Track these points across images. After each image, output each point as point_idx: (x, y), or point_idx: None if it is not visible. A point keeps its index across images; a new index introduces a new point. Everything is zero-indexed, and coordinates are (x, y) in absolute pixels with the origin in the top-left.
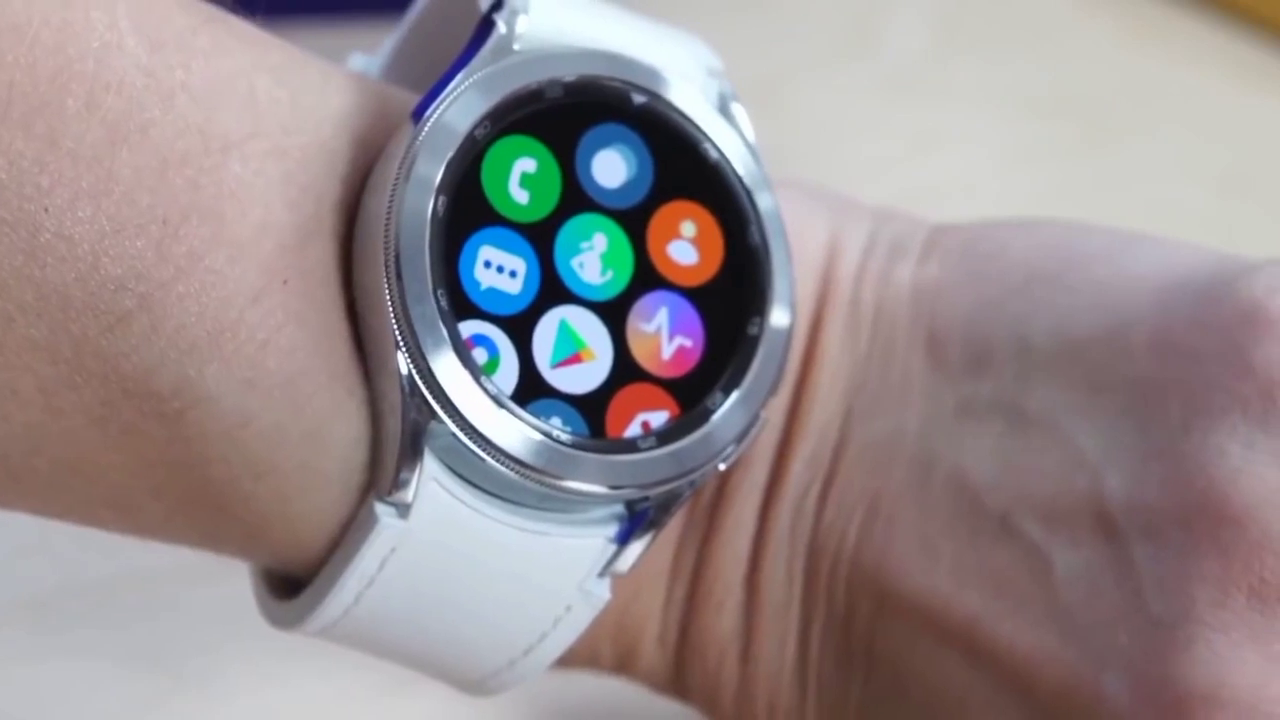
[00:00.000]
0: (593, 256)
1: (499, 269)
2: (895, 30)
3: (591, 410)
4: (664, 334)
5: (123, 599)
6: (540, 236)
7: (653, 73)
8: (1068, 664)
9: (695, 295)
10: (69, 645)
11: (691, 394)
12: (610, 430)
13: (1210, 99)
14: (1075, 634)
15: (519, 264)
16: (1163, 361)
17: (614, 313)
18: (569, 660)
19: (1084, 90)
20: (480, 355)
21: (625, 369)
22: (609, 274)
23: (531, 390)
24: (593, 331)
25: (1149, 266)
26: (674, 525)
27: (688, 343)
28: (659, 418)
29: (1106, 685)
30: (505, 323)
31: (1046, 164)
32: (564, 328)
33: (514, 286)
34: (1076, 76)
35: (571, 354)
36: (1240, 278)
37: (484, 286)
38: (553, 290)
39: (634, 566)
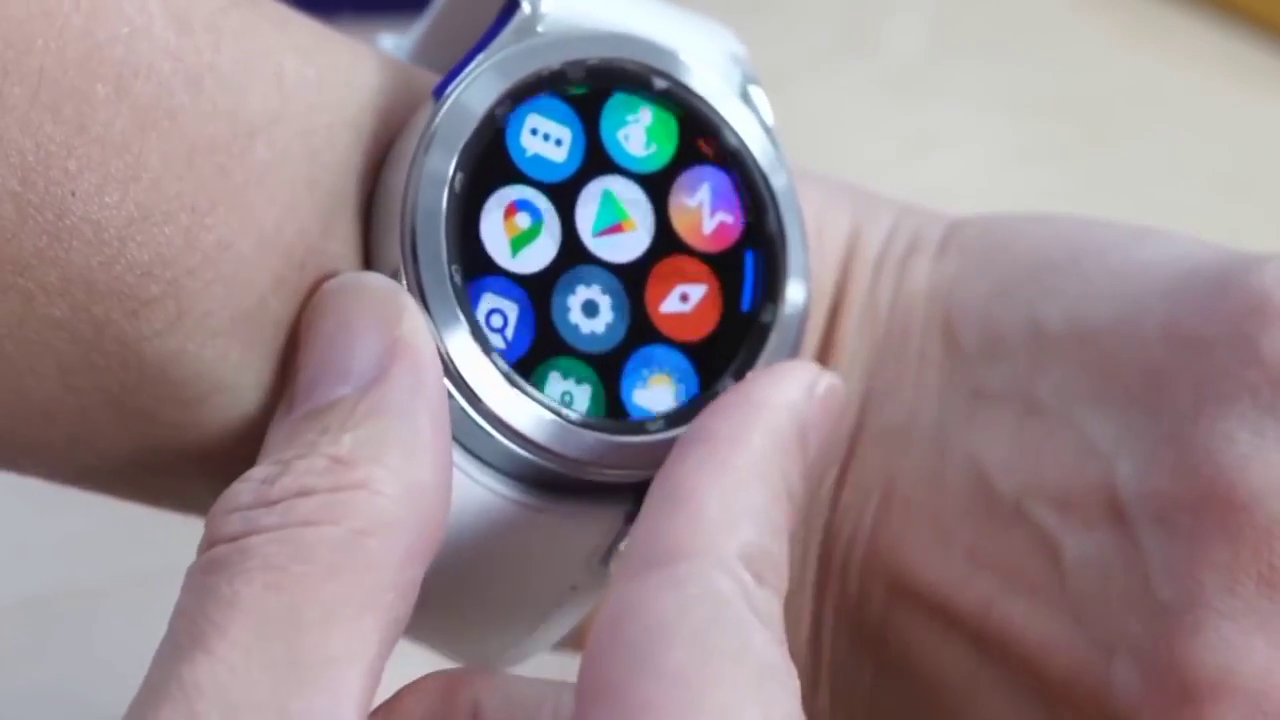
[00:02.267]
0: (638, 129)
1: (545, 136)
2: (894, 30)
3: (632, 280)
4: (705, 209)
5: (123, 599)
6: (586, 109)
7: (674, 57)
8: (1077, 650)
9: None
10: (70, 645)
11: (706, 377)
12: (650, 301)
13: (1210, 99)
14: (1085, 620)
15: (565, 133)
16: (1173, 350)
17: (657, 185)
18: (578, 641)
19: (1083, 90)
20: (524, 220)
21: (666, 241)
22: (653, 147)
23: (573, 257)
24: (636, 202)
25: (1160, 257)
26: None
27: (729, 219)
28: (697, 291)
29: (1115, 671)
30: (550, 189)
31: (1046, 164)
32: (607, 197)
33: (560, 154)
34: (1076, 76)
35: (614, 224)
36: (1250, 269)
37: (530, 153)
38: (597, 161)
39: None
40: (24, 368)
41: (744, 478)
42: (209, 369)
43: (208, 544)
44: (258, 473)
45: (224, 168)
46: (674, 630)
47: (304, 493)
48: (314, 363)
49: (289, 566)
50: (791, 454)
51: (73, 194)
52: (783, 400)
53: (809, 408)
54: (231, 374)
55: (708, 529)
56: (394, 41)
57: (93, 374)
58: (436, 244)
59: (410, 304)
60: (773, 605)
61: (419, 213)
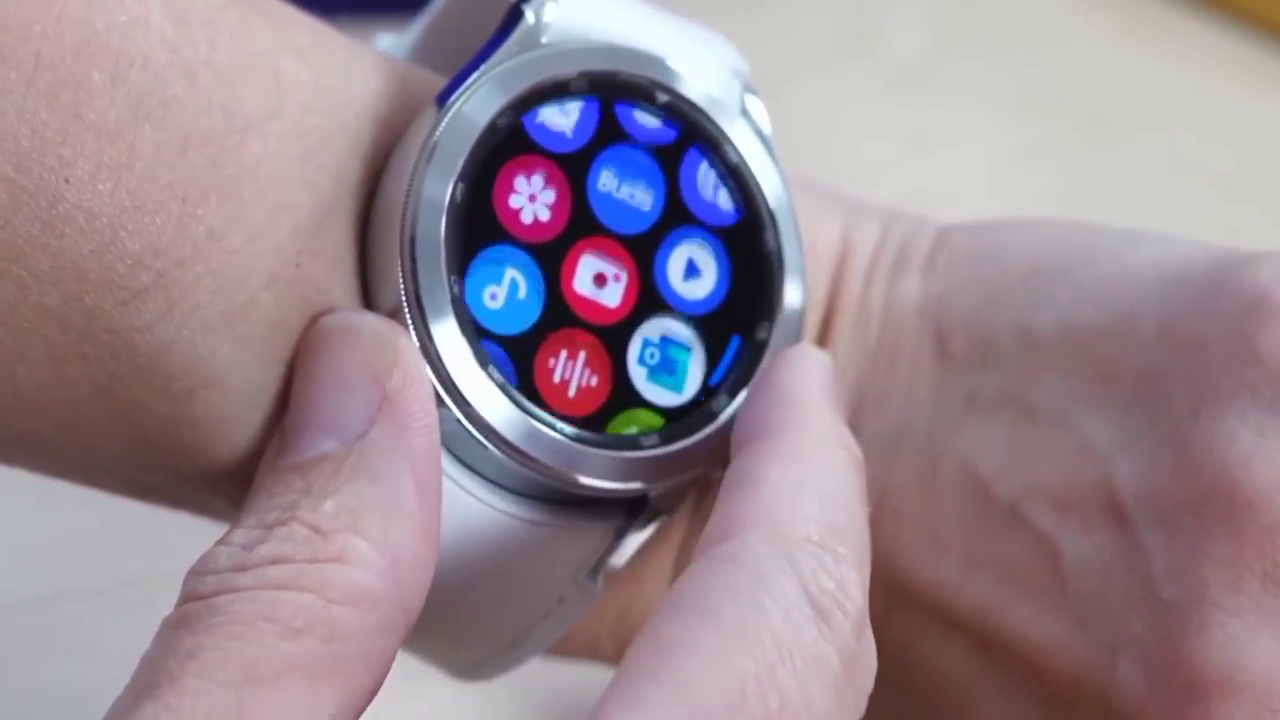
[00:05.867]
0: None
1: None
2: (894, 30)
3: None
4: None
5: (123, 599)
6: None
7: (675, 71)
8: (1080, 651)
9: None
10: (69, 645)
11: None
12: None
13: (1210, 99)
14: (1087, 621)
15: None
16: (1169, 350)
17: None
18: (568, 651)
19: (1084, 90)
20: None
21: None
22: None
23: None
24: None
25: (1152, 259)
26: (680, 521)
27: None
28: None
29: (1119, 671)
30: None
31: (1046, 164)
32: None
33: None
34: (1076, 76)
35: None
36: (1245, 266)
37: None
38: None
39: (630, 562)
40: (15, 356)
41: (805, 457)
42: (199, 363)
43: (183, 600)
44: (238, 536)
45: (216, 160)
46: (689, 601)
47: (280, 560)
48: (303, 408)
49: (256, 622)
50: (840, 423)
51: (66, 181)
52: (815, 384)
53: (827, 379)
54: (222, 370)
55: (765, 505)
56: (392, 40)
57: (83, 364)
58: (436, 256)
59: (405, 349)
60: (843, 575)
61: (419, 224)
